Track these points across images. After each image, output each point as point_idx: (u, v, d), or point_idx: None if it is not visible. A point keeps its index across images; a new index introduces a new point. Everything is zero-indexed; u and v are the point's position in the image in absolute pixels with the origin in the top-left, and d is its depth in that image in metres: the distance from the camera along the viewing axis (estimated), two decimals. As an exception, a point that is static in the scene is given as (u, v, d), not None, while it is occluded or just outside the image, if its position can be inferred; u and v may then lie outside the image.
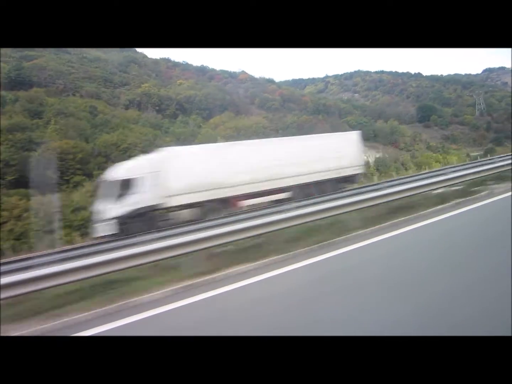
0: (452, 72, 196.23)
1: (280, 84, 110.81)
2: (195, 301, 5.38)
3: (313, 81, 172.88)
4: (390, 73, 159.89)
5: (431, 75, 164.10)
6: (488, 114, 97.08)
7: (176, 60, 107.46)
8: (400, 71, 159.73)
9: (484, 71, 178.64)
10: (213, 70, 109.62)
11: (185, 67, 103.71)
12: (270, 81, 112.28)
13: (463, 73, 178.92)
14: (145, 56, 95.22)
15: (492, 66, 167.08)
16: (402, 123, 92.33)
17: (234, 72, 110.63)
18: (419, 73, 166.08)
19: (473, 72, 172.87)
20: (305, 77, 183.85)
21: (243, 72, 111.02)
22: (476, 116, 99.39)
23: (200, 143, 34.43)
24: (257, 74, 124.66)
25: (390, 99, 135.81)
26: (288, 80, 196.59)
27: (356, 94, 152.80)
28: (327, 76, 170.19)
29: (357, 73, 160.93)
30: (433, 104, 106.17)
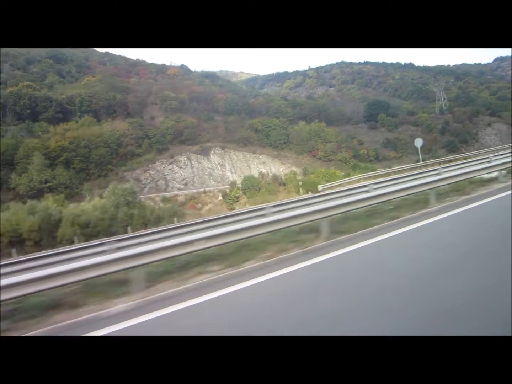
0: (460, 62, 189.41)
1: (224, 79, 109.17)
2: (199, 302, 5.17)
3: (296, 74, 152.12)
4: (374, 64, 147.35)
5: (423, 66, 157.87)
6: (450, 111, 75.17)
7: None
8: (389, 61, 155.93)
9: (495, 60, 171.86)
10: (142, 62, 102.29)
11: (115, 61, 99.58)
12: (210, 75, 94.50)
13: (472, 62, 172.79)
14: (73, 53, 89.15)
15: (505, 54, 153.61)
16: (344, 124, 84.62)
17: (164, 65, 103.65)
18: (410, 63, 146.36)
19: (484, 61, 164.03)
20: (291, 70, 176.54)
21: (172, 67, 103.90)
22: (435, 114, 77.66)
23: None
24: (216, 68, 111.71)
25: (363, 93, 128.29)
26: (272, 74, 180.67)
27: (331, 88, 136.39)
28: (310, 69, 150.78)
29: (338, 64, 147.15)
30: (385, 101, 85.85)
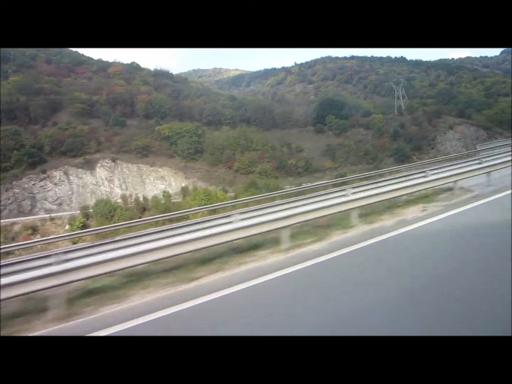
0: (464, 56, 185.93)
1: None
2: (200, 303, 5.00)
3: (281, 71, 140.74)
4: (361, 58, 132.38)
5: (416, 60, 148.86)
6: (410, 112, 62.10)
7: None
8: (380, 55, 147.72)
9: (502, 52, 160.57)
10: (89, 60, 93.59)
11: (60, 60, 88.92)
12: (160, 74, 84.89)
13: (478, 55, 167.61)
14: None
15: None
16: (290, 127, 74.55)
17: (107, 63, 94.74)
18: (401, 57, 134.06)
19: (490, 54, 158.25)
20: (280, 66, 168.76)
21: (115, 64, 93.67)
22: (393, 115, 64.20)
23: None
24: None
25: (341, 90, 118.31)
26: (260, 71, 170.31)
27: (311, 85, 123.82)
28: (295, 65, 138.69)
29: (323, 59, 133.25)
30: (340, 99, 73.75)
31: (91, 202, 48.13)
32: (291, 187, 43.23)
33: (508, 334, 3.00)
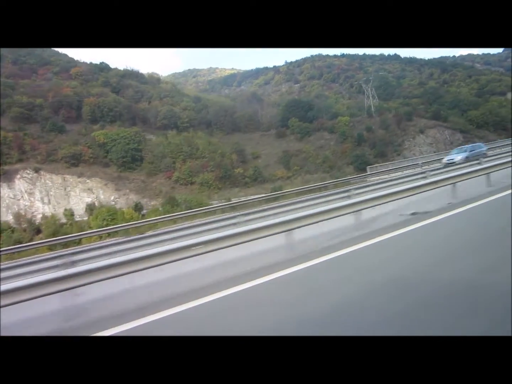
0: (466, 53, 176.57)
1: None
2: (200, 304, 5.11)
3: (271, 70, 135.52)
4: (350, 56, 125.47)
5: (410, 57, 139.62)
6: (379, 113, 55.63)
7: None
8: (371, 53, 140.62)
9: (505, 49, 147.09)
10: (55, 62, 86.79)
11: (24, 61, 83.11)
12: (129, 74, 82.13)
13: (480, 52, 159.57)
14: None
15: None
16: (252, 130, 69.26)
17: (70, 63, 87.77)
18: (395, 55, 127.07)
19: (493, 51, 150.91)
20: (271, 65, 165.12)
21: (79, 64, 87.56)
22: (362, 117, 57.72)
23: None
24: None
25: (326, 89, 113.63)
26: (252, 70, 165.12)
27: (297, 85, 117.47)
28: (285, 63, 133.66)
29: (312, 58, 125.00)
30: (307, 100, 68.14)
31: (7, 217, 42.80)
32: (221, 202, 37.55)
33: (508, 334, 2.97)
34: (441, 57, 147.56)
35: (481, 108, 78.16)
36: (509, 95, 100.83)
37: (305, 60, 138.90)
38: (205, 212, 23.58)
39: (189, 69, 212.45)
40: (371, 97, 70.71)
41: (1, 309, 4.74)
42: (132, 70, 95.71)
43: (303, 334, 3.20)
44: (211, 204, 31.05)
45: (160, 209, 36.83)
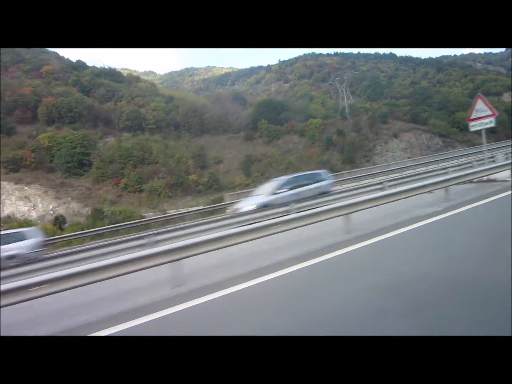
0: (467, 52, 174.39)
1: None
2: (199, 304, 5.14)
3: (263, 68, 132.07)
4: (344, 55, 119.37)
5: (405, 56, 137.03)
6: (354, 114, 51.22)
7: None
8: (366, 52, 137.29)
9: (508, 48, 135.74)
10: (30, 59, 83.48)
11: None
12: (108, 72, 78.61)
13: (482, 51, 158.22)
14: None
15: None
16: (220, 133, 64.92)
17: (44, 60, 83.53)
18: (390, 53, 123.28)
19: (495, 51, 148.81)
20: (266, 64, 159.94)
21: (52, 62, 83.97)
22: (334, 120, 53.54)
23: None
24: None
25: (314, 89, 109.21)
26: (246, 69, 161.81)
27: (287, 84, 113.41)
28: (279, 62, 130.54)
29: (303, 57, 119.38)
30: (282, 100, 64.15)
31: None
32: (157, 214, 33.57)
33: (508, 334, 2.97)
34: (442, 56, 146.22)
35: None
36: (505, 96, 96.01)
37: (297, 59, 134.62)
38: (134, 226, 20.99)
39: (186, 68, 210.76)
40: (345, 98, 65.68)
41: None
42: (109, 68, 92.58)
43: (303, 334, 3.28)
44: (145, 217, 27.63)
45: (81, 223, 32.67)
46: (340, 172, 43.18)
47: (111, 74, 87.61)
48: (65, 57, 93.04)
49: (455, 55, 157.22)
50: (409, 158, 50.16)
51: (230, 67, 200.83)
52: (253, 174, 50.35)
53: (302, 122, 60.56)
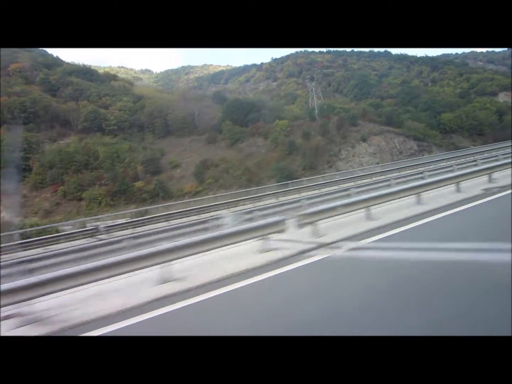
0: (468, 50, 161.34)
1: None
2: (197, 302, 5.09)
3: (255, 67, 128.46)
4: (336, 52, 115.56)
5: (400, 54, 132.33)
6: (324, 116, 46.88)
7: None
8: (358, 49, 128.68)
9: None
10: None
11: None
12: (81, 71, 75.12)
13: (484, 50, 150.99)
14: None
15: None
16: (185, 134, 60.07)
17: (11, 58, 78.01)
18: (385, 51, 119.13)
19: (497, 49, 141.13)
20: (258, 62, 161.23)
21: (21, 60, 78.66)
22: (303, 122, 49.46)
23: None
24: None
25: (301, 87, 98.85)
26: (240, 67, 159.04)
27: (275, 83, 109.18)
28: (272, 60, 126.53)
29: (294, 55, 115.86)
30: (254, 100, 61.05)
31: None
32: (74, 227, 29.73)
33: (508, 334, 2.95)
34: (443, 54, 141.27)
35: (458, 110, 68.47)
36: (500, 96, 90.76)
37: (289, 56, 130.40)
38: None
39: (182, 66, 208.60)
40: (315, 98, 60.68)
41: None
42: (84, 65, 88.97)
43: (303, 334, 3.26)
44: (63, 230, 24.56)
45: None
46: (300, 179, 39.03)
47: (84, 72, 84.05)
48: (41, 55, 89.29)
49: (456, 53, 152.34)
50: (377, 163, 45.58)
51: (228, 65, 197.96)
52: (208, 178, 46.08)
53: (269, 124, 55.94)
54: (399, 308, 3.90)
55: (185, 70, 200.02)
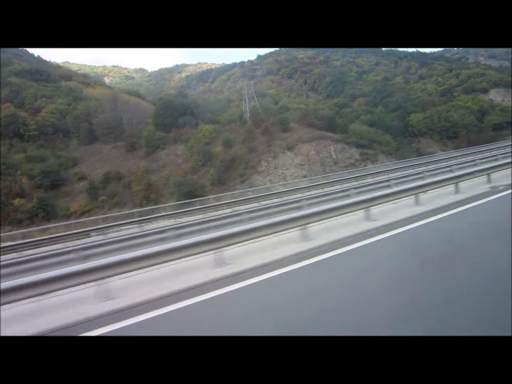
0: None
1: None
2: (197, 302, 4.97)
3: (238, 65, 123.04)
4: (319, 48, 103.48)
5: (390, 50, 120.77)
6: (253, 120, 39.26)
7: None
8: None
9: None
10: None
11: None
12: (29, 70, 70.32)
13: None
14: None
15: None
16: (112, 140, 52.46)
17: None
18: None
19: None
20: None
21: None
22: (232, 126, 42.13)
23: None
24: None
25: (276, 86, 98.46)
26: (228, 65, 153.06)
27: (252, 81, 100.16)
28: (257, 57, 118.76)
29: (277, 51, 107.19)
30: (188, 101, 53.88)
31: None
32: None
33: (508, 334, 2.97)
34: (444, 50, 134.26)
35: (430, 110, 59.62)
36: (491, 93, 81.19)
37: (271, 53, 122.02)
38: None
39: (176, 65, 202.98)
40: (247, 100, 52.25)
41: None
42: (39, 64, 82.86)
43: (303, 334, 3.26)
44: None
45: None
46: (206, 197, 31.60)
47: (33, 72, 77.69)
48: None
49: (457, 48, 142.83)
50: (305, 177, 37.47)
51: (223, 63, 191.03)
52: (100, 197, 38.71)
53: (195, 129, 48.01)
54: (399, 308, 3.79)
55: (179, 68, 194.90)
